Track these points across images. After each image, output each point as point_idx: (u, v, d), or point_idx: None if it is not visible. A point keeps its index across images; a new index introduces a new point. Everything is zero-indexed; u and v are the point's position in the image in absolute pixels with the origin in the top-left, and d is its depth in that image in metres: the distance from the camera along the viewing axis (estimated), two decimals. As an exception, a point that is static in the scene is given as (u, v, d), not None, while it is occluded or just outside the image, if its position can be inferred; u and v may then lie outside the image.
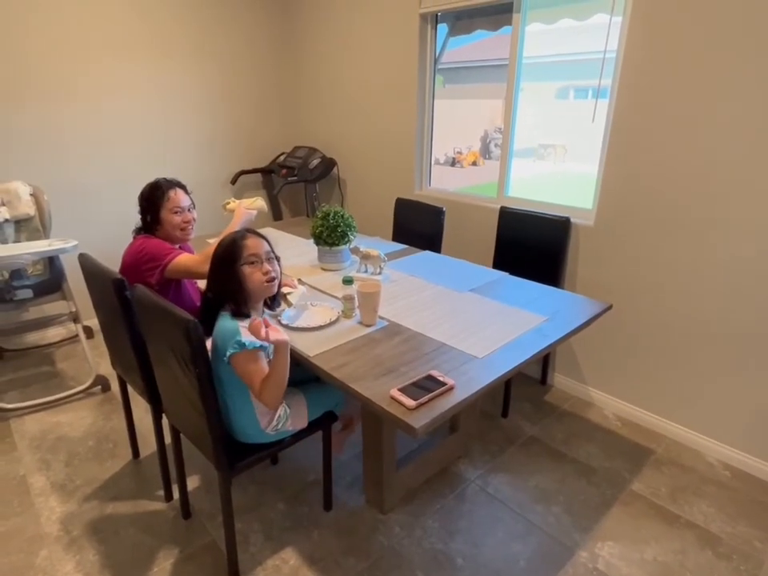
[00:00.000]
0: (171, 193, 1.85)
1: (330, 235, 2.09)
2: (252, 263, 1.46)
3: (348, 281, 1.70)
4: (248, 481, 2.01)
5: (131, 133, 3.21)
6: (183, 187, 1.93)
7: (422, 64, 2.97)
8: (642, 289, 2.25)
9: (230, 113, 3.63)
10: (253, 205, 2.05)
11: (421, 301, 1.87)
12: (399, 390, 1.28)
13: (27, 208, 2.55)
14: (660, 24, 1.96)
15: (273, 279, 1.49)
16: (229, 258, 1.44)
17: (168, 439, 1.78)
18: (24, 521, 1.82)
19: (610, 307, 1.85)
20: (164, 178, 1.89)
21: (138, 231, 1.88)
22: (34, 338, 3.11)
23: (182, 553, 1.70)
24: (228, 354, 1.34)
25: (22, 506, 1.89)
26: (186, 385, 1.38)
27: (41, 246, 2.28)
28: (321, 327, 1.63)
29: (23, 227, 2.59)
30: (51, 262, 2.51)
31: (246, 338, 1.36)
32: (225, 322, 1.39)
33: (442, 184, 3.23)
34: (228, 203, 2.09)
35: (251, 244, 1.46)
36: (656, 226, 2.15)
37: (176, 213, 1.85)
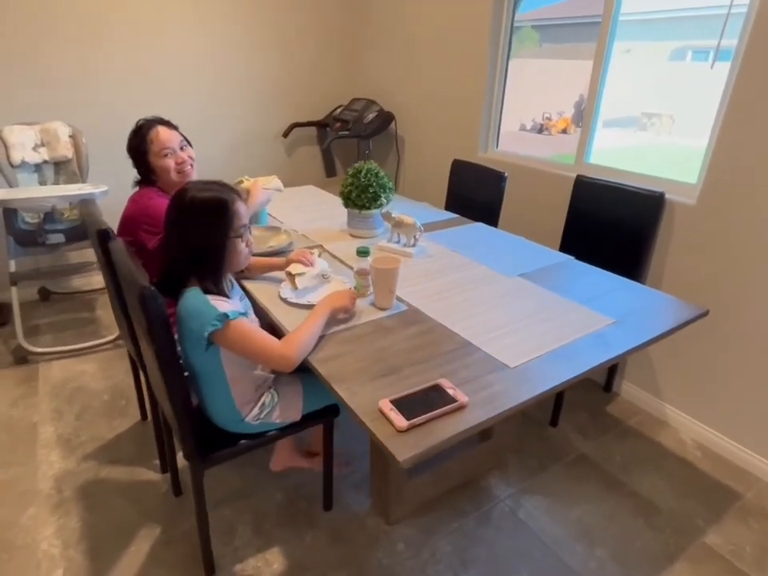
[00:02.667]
0: (152, 134, 1.57)
1: (360, 196, 1.78)
2: (241, 235, 1.20)
3: (363, 252, 1.39)
4: (248, 462, 1.83)
5: (178, 82, 3.04)
6: (166, 123, 1.64)
7: (496, 16, 2.54)
8: (753, 291, 1.74)
9: (287, 60, 3.35)
10: (270, 184, 1.79)
11: (455, 283, 1.53)
12: (392, 401, 0.98)
13: (65, 150, 2.47)
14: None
15: (251, 252, 1.25)
16: (218, 223, 1.16)
17: (160, 410, 1.62)
18: (23, 472, 1.77)
19: (705, 313, 1.41)
20: (143, 119, 1.61)
21: (138, 184, 1.66)
22: (79, 282, 3.13)
23: (163, 534, 1.56)
24: (208, 332, 1.09)
25: (26, 456, 1.84)
26: (151, 359, 1.17)
27: (68, 190, 2.18)
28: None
29: (62, 170, 2.53)
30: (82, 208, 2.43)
31: (225, 308, 1.11)
32: (192, 299, 1.13)
33: (521, 151, 2.76)
34: (241, 181, 1.82)
35: (242, 211, 1.20)
36: (785, 210, 1.62)
37: (165, 155, 1.58)
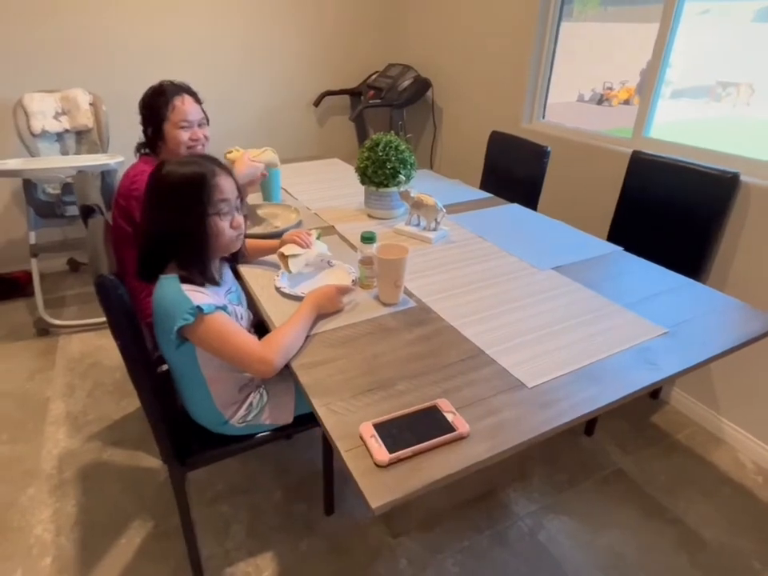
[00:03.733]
0: (177, 101, 1.45)
1: (377, 172, 1.59)
2: (224, 213, 1.05)
3: (368, 238, 1.21)
4: (252, 454, 1.74)
5: (207, 49, 2.88)
6: (194, 94, 1.52)
7: None
8: None
9: (321, 25, 3.13)
10: (260, 156, 1.59)
11: (475, 276, 1.33)
12: (376, 425, 0.81)
13: (86, 119, 2.40)
14: None
15: (241, 233, 1.09)
16: (193, 200, 1.00)
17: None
18: (28, 449, 1.76)
19: (784, 326, 1.14)
20: (170, 81, 1.49)
21: (140, 148, 1.54)
22: (108, 254, 3.12)
23: (155, 528, 1.49)
24: (177, 327, 0.96)
25: (34, 433, 1.83)
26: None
27: (81, 161, 2.11)
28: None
29: (84, 139, 2.47)
30: (103, 179, 2.36)
31: (200, 301, 0.97)
32: (165, 289, 1.00)
33: (577, 125, 2.45)
34: (230, 152, 1.64)
35: (224, 185, 1.03)
36: None
37: (182, 128, 1.46)
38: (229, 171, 1.06)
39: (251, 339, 1.00)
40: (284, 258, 1.25)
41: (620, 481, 1.67)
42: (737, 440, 1.80)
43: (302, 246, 1.28)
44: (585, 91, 3.87)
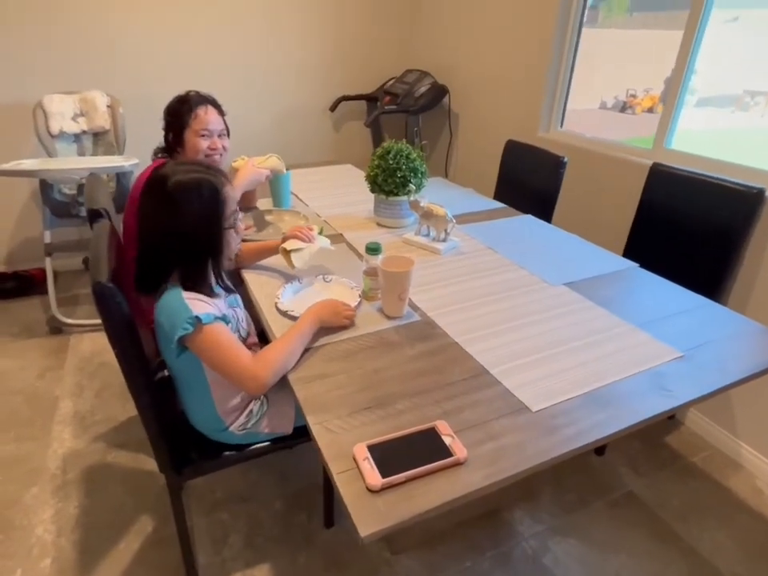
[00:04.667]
0: (201, 110, 1.50)
1: (387, 181, 1.56)
2: (234, 225, 1.04)
3: (373, 249, 1.19)
4: (252, 462, 1.71)
5: (225, 54, 2.88)
6: (218, 106, 1.56)
7: None
8: None
9: (340, 30, 3.12)
10: (264, 163, 1.59)
11: (483, 290, 1.29)
12: (370, 447, 0.78)
13: (103, 121, 2.43)
14: None
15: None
16: (210, 211, 1.00)
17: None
18: (35, 448, 1.77)
19: (807, 352, 1.08)
20: (196, 92, 1.53)
21: (158, 153, 1.56)
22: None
23: (154, 534, 1.48)
24: (178, 336, 0.95)
25: (42, 431, 1.84)
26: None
27: (96, 162, 2.13)
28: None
29: (101, 140, 2.49)
30: (118, 180, 2.39)
31: (201, 310, 0.96)
32: (168, 299, 0.99)
33: (600, 133, 2.39)
34: (236, 161, 1.65)
35: (232, 196, 1.03)
36: None
37: (202, 136, 1.50)
38: (230, 180, 1.06)
39: (245, 354, 0.98)
40: (287, 253, 1.23)
41: (631, 504, 1.61)
42: (755, 466, 1.73)
43: (303, 241, 1.26)
44: (607, 98, 3.79)
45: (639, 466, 1.75)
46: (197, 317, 0.94)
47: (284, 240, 1.28)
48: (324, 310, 1.09)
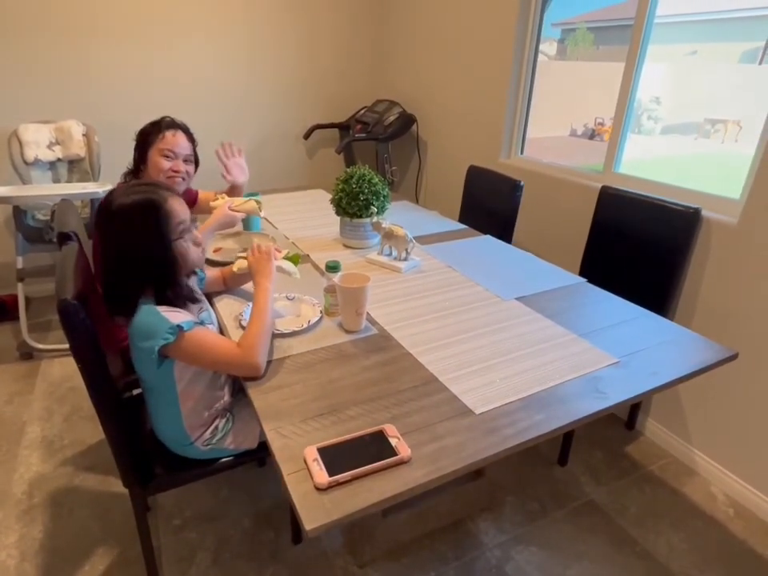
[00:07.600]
0: (169, 133, 1.56)
1: (351, 204, 1.65)
2: (185, 235, 1.09)
3: (332, 267, 1.26)
4: (224, 481, 1.73)
5: (197, 83, 3.00)
6: (189, 133, 1.63)
7: (522, 17, 2.37)
8: (804, 329, 1.47)
9: (312, 61, 3.27)
10: (242, 206, 1.61)
11: (438, 305, 1.36)
12: (320, 449, 0.83)
13: (78, 149, 2.48)
14: None
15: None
16: (152, 228, 1.02)
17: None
18: (0, 473, 1.75)
19: (733, 357, 1.17)
20: (171, 118, 1.60)
21: (126, 176, 1.61)
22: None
23: (120, 555, 1.48)
24: (159, 347, 0.98)
25: (7, 456, 1.83)
26: (86, 378, 1.08)
27: (70, 189, 2.17)
28: (293, 333, 1.20)
29: (75, 168, 2.54)
30: (92, 206, 2.43)
31: (179, 320, 1.00)
32: (142, 317, 1.02)
33: (570, 159, 2.53)
34: (216, 199, 1.68)
35: (177, 208, 1.07)
36: None
37: (166, 156, 1.55)
38: (178, 194, 1.11)
39: (230, 346, 1.04)
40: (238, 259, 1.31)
41: (591, 511, 1.67)
42: (709, 472, 1.80)
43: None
44: (577, 126, 4.00)
45: (600, 476, 1.82)
46: (178, 326, 0.99)
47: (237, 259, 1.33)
48: (258, 274, 1.19)
